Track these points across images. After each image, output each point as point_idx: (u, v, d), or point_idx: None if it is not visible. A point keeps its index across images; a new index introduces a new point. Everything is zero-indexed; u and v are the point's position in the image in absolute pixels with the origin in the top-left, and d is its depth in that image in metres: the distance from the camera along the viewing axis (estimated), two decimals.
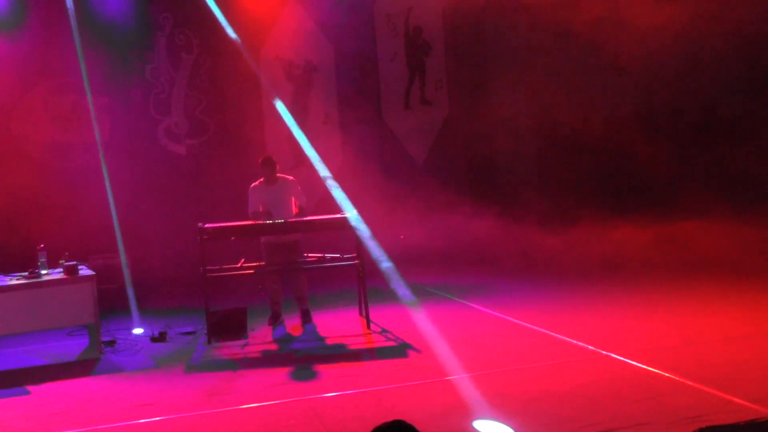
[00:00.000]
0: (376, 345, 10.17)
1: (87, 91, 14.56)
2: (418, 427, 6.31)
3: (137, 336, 11.12)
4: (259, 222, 10.90)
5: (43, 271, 10.35)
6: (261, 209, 11.01)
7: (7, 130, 14.35)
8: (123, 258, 13.53)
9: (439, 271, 14.14)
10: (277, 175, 11.21)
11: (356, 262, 10.93)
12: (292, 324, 11.26)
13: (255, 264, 11.02)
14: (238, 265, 10.99)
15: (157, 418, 7.92)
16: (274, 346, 10.38)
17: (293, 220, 10.91)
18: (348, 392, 8.27)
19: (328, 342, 10.39)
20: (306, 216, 11.14)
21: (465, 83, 17.06)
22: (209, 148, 15.56)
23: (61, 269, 10.36)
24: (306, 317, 11.32)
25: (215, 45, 15.54)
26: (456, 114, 17.11)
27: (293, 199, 11.18)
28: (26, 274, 10.30)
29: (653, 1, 13.59)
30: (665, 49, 14.06)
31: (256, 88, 15.99)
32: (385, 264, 12.07)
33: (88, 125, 14.58)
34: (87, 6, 14.68)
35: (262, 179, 11.26)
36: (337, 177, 15.60)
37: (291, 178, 11.40)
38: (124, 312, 12.36)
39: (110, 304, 12.36)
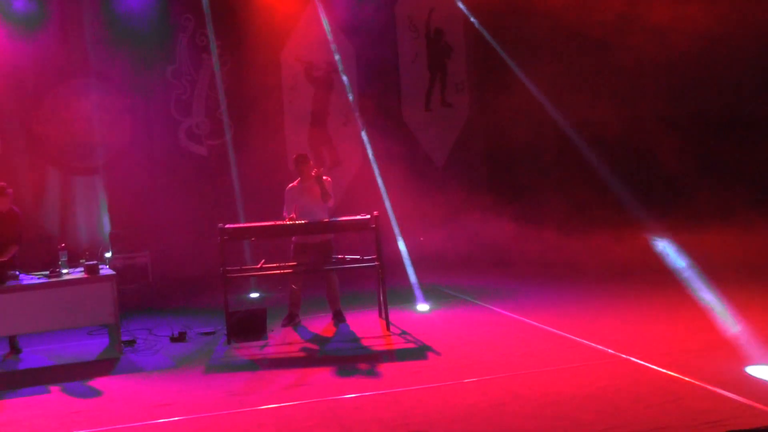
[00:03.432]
0: (395, 347, 10.15)
1: (108, 92, 14.65)
2: (437, 430, 6.28)
3: (156, 336, 11.17)
4: (279, 222, 10.90)
5: (64, 270, 10.39)
6: (294, 215, 10.96)
7: (29, 131, 14.42)
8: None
9: (458, 272, 14.11)
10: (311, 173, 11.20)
11: (376, 263, 10.91)
12: (323, 324, 11.27)
13: (274, 265, 11.02)
14: (258, 266, 11.01)
15: (177, 418, 7.93)
16: (293, 347, 10.38)
17: (316, 221, 10.88)
18: (367, 394, 8.26)
19: (348, 343, 10.38)
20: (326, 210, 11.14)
21: (486, 85, 17.04)
22: (230, 148, 15.58)
23: (81, 268, 10.40)
24: (338, 318, 11.32)
25: (237, 46, 15.58)
26: (476, 116, 17.09)
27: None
28: (47, 273, 10.34)
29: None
30: (688, 48, 13.99)
31: (277, 89, 16.02)
32: None
33: (110, 126, 14.65)
34: (109, 6, 14.76)
35: (298, 180, 11.25)
36: (357, 178, 15.63)
37: (324, 177, 11.36)
38: (145, 312, 12.46)
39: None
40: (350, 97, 16.36)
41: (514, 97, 15.89)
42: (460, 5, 16.75)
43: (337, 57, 16.22)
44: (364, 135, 16.16)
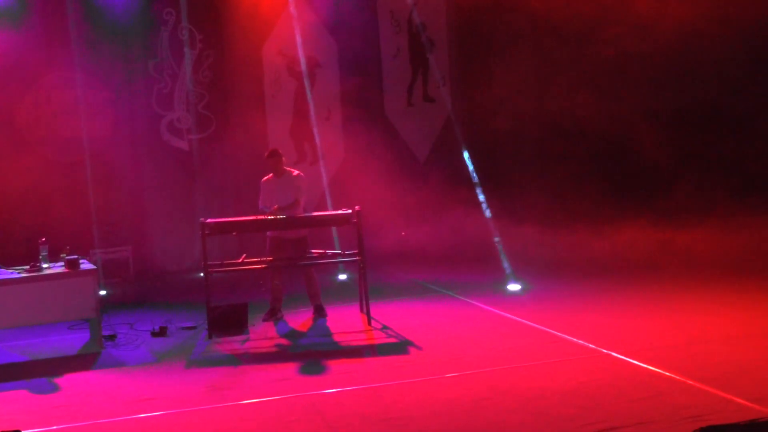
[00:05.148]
0: (376, 341, 10.15)
1: (90, 86, 14.57)
2: (419, 424, 6.29)
3: (137, 330, 11.13)
4: (260, 217, 10.88)
5: (45, 265, 10.34)
6: (275, 207, 10.94)
7: (10, 125, 14.33)
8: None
9: (440, 267, 14.11)
10: (285, 168, 11.18)
11: (358, 258, 10.91)
12: (305, 319, 11.26)
13: (256, 260, 11.01)
14: (240, 260, 11.00)
15: (158, 413, 7.91)
16: (274, 342, 10.38)
17: (295, 215, 10.87)
18: (349, 388, 8.27)
19: (329, 338, 10.38)
20: (298, 210, 11.09)
21: (468, 80, 17.03)
22: (212, 143, 15.54)
23: (62, 263, 10.36)
24: (319, 312, 11.31)
25: (218, 40, 15.54)
26: (459, 110, 17.09)
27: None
28: (27, 267, 10.29)
29: None
30: (670, 44, 14.03)
31: (258, 84, 15.97)
32: None
33: (92, 120, 14.57)
34: (90, 0, 14.68)
35: (272, 174, 11.24)
36: (339, 173, 15.61)
37: (297, 172, 11.35)
38: (126, 306, 12.43)
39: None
40: (332, 92, 16.34)
41: (496, 92, 15.89)
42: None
43: (319, 51, 16.18)
44: (345, 130, 16.15)
